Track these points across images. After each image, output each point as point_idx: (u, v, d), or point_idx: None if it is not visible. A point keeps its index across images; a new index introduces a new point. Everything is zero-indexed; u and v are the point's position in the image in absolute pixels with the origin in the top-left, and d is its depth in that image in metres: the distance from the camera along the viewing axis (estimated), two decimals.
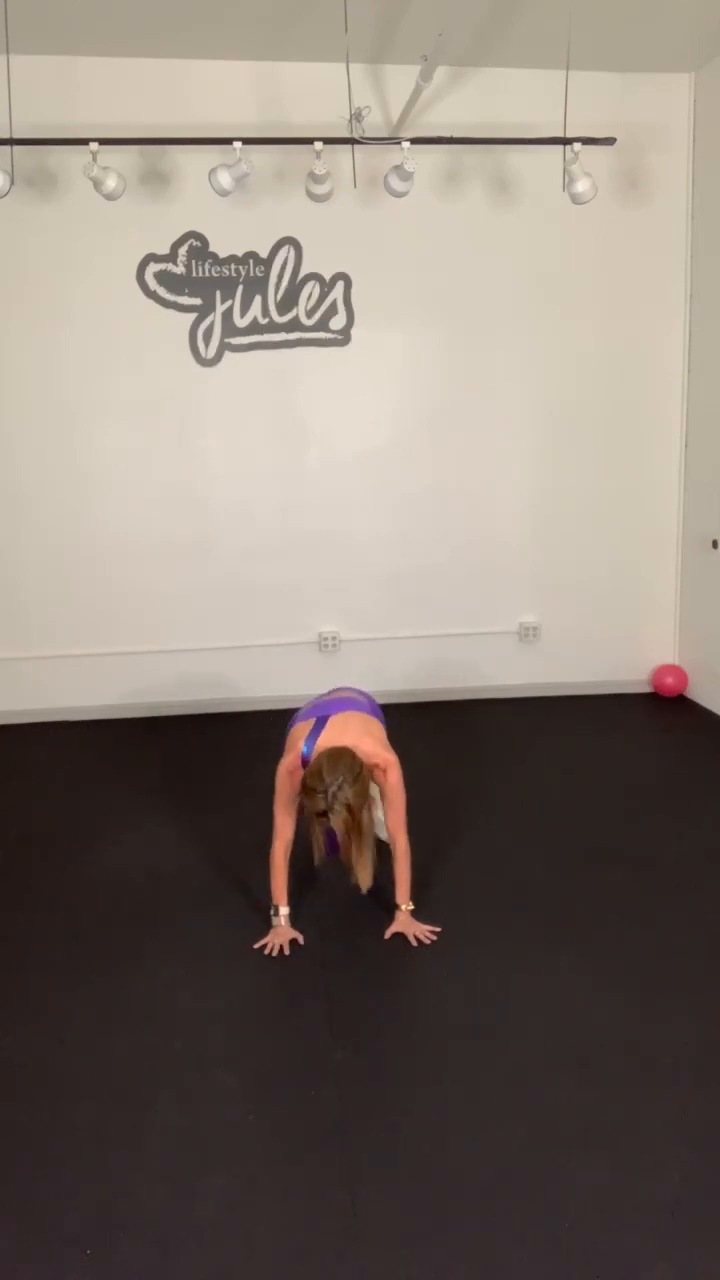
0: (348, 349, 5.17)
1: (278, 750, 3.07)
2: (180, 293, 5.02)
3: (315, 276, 5.08)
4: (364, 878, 2.87)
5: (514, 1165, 2.12)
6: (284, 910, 3.02)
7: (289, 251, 5.04)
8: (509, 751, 4.70)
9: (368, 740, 2.93)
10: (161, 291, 5.00)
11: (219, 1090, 2.37)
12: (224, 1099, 2.34)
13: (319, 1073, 2.42)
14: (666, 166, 5.16)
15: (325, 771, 2.76)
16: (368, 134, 4.19)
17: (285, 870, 3.01)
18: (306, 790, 2.79)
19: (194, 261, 4.99)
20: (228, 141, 4.16)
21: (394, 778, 2.95)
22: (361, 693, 3.39)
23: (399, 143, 4.13)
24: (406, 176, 4.18)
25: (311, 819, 2.83)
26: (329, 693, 3.42)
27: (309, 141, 4.15)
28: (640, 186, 5.15)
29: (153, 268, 4.97)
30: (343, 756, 2.81)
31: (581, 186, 4.16)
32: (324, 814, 2.76)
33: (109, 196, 4.22)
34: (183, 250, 4.97)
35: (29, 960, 2.97)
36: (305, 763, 2.88)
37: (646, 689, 5.65)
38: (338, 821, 2.75)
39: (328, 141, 4.16)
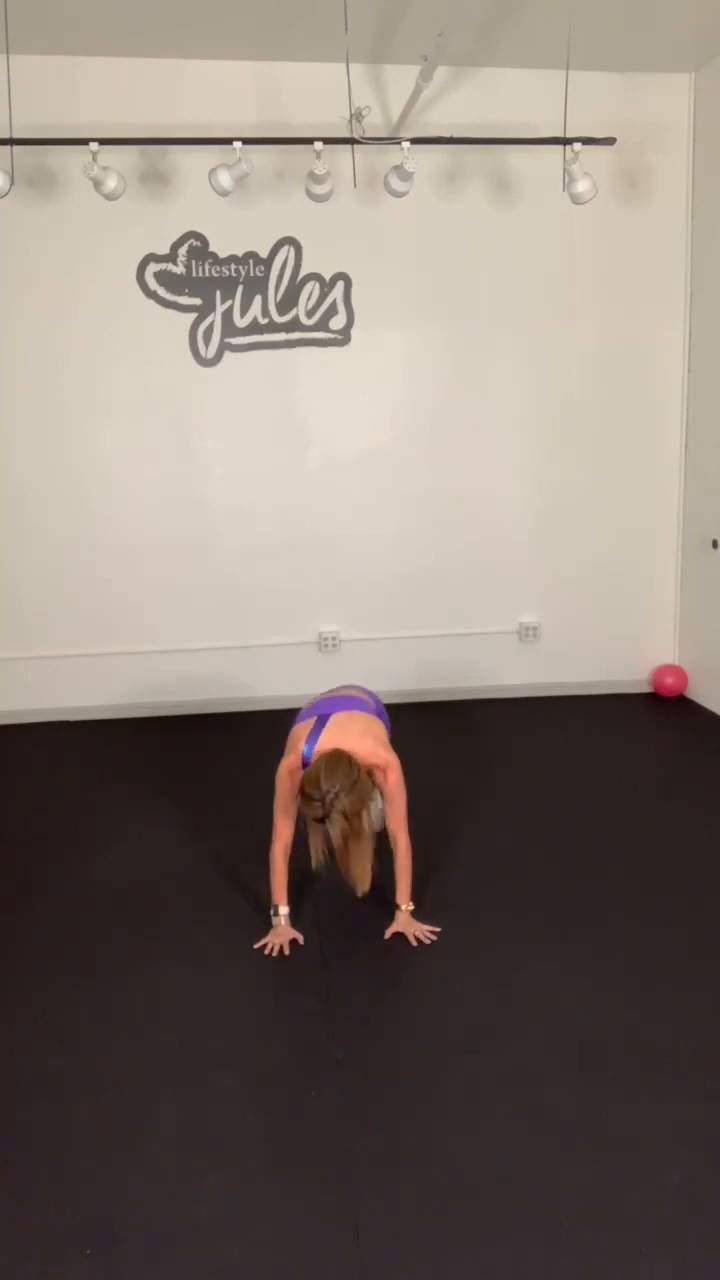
0: (348, 349, 5.17)
1: (278, 750, 3.06)
2: (180, 293, 5.02)
3: (315, 276, 5.08)
4: (362, 883, 2.84)
5: (514, 1165, 2.12)
6: (284, 910, 3.02)
7: (289, 251, 5.04)
8: (509, 751, 4.70)
9: (367, 740, 2.92)
10: (161, 291, 5.00)
11: (219, 1090, 2.37)
12: (224, 1099, 2.34)
13: (319, 1073, 2.42)
14: (666, 166, 5.16)
15: (322, 778, 2.72)
16: (368, 134, 4.20)
17: (285, 870, 3.00)
18: (304, 797, 2.76)
19: (194, 261, 4.99)
20: (228, 141, 4.16)
21: (394, 778, 2.94)
22: (368, 692, 3.37)
23: (399, 143, 4.12)
24: (406, 176, 4.18)
25: (310, 823, 2.82)
26: (335, 689, 3.40)
27: (309, 141, 4.15)
28: (640, 186, 5.15)
29: (153, 268, 4.97)
30: (340, 763, 2.77)
31: (581, 186, 4.16)
32: (321, 820, 2.75)
33: (109, 196, 4.22)
34: (183, 250, 4.97)
35: (29, 961, 2.97)
36: (306, 763, 2.88)
37: (646, 689, 5.65)
38: (335, 829, 2.72)
39: (328, 141, 4.15)
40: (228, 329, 5.08)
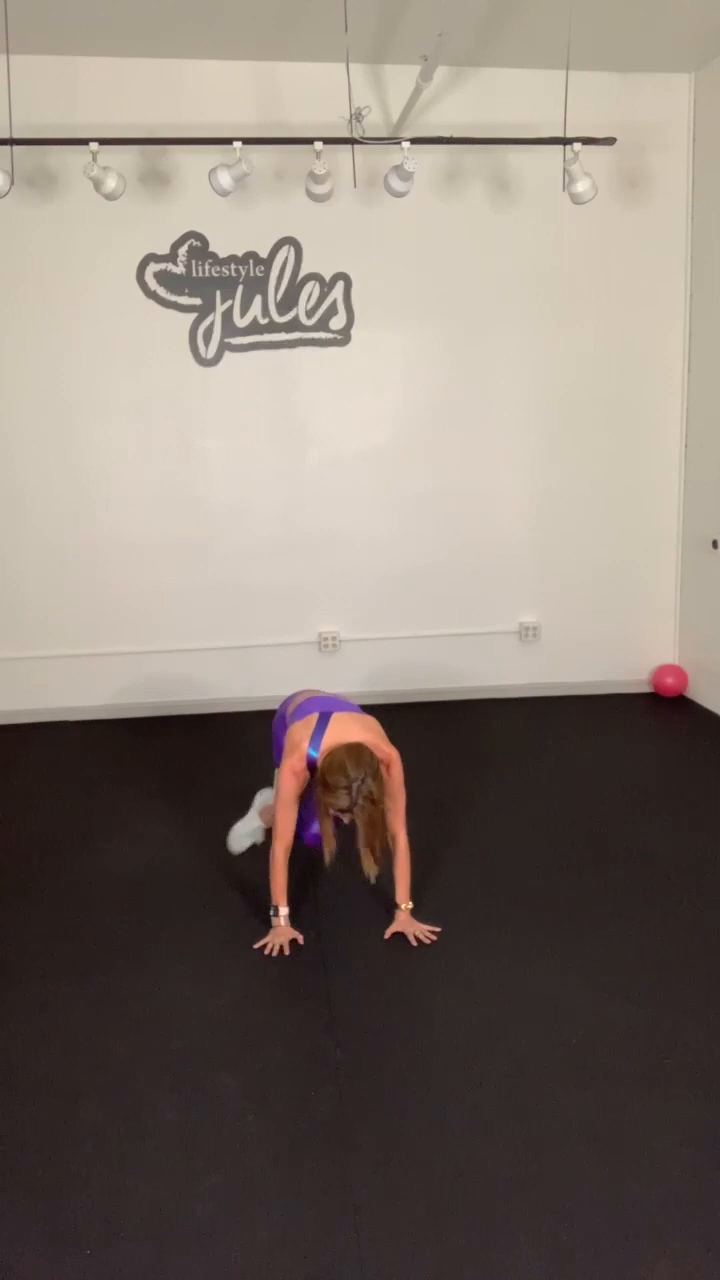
0: (348, 349, 5.17)
1: (271, 750, 3.07)
2: (180, 293, 5.02)
3: (315, 276, 5.08)
4: (373, 866, 2.88)
5: (514, 1165, 2.12)
6: (284, 910, 3.02)
7: (289, 251, 5.04)
8: (509, 751, 4.70)
9: (369, 736, 2.95)
10: (161, 291, 5.00)
11: (219, 1090, 2.37)
12: (224, 1099, 2.34)
13: (319, 1073, 2.42)
14: (666, 166, 5.16)
15: (350, 767, 2.77)
16: (368, 134, 4.19)
17: (285, 870, 3.00)
18: (328, 787, 2.79)
19: (194, 261, 4.99)
20: (228, 141, 4.16)
21: (397, 772, 2.97)
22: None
23: (399, 143, 4.13)
24: (406, 176, 4.18)
25: (324, 816, 2.84)
26: (303, 692, 3.40)
27: (309, 141, 4.15)
28: (640, 186, 5.15)
29: (153, 268, 4.97)
30: (362, 752, 2.83)
31: (581, 186, 4.16)
32: (348, 809, 2.78)
33: (109, 196, 4.22)
34: (183, 250, 4.97)
35: (29, 960, 2.97)
36: (311, 764, 2.88)
37: (646, 689, 5.65)
38: (363, 815, 2.77)
39: (328, 141, 4.15)
40: (228, 329, 5.08)
